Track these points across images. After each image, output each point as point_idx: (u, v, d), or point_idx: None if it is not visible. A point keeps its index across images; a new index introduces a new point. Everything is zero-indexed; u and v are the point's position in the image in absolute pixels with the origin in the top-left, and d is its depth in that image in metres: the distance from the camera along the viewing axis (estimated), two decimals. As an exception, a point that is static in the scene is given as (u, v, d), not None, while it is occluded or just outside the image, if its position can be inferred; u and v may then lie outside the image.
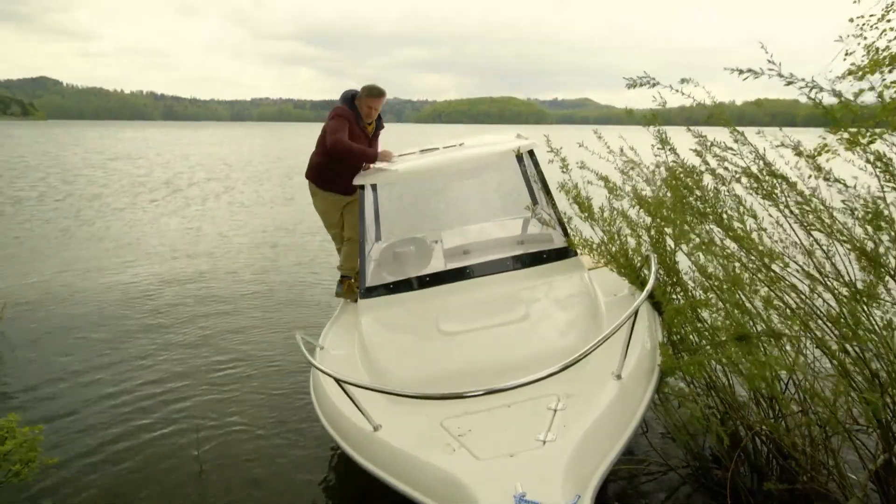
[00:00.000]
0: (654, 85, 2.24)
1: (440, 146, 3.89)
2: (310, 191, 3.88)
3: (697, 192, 2.37)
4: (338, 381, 1.82)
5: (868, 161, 1.91)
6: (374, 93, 3.69)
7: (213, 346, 4.41)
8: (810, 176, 2.07)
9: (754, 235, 2.23)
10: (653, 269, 2.15)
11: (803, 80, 1.86)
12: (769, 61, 1.90)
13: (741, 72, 1.87)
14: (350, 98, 3.71)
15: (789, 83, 1.87)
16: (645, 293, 1.93)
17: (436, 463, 1.61)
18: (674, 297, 2.52)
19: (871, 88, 1.87)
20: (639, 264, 2.63)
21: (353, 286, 3.67)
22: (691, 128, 2.49)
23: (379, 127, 3.90)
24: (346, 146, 3.48)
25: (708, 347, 2.26)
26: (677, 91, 2.24)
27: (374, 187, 4.10)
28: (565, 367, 1.62)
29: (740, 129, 2.27)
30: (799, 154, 2.09)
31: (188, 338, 4.56)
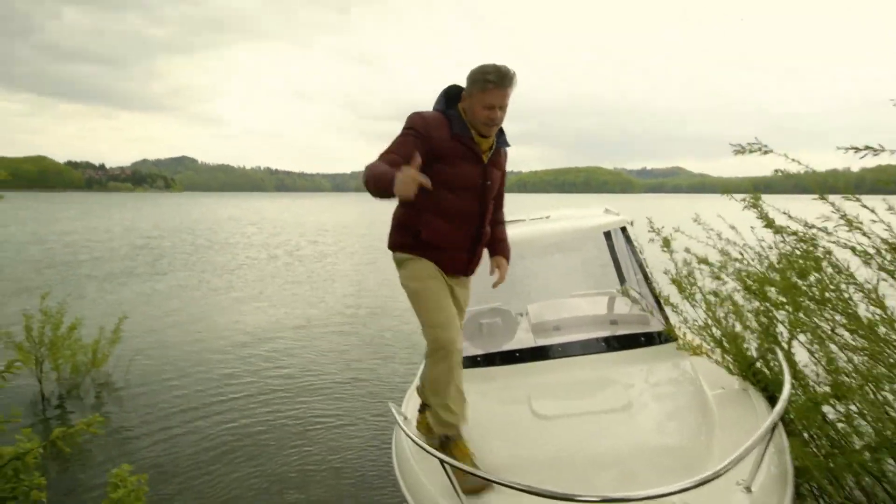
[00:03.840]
0: (766, 152, 2.05)
1: (526, 218, 3.88)
2: (396, 264, 2.24)
3: (815, 276, 2.10)
4: (453, 466, 1.66)
5: None
6: (495, 79, 2.01)
7: (296, 402, 4.55)
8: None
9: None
10: (786, 371, 1.85)
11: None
12: None
13: (857, 150, 1.67)
14: (450, 97, 2.16)
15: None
16: (783, 400, 1.66)
17: None
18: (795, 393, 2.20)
19: None
20: (754, 354, 2.36)
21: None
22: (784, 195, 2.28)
23: (502, 145, 2.25)
24: (366, 174, 1.93)
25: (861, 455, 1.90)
26: (793, 160, 2.03)
27: None
28: (702, 482, 1.39)
29: (858, 197, 2.03)
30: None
31: (275, 391, 4.78)
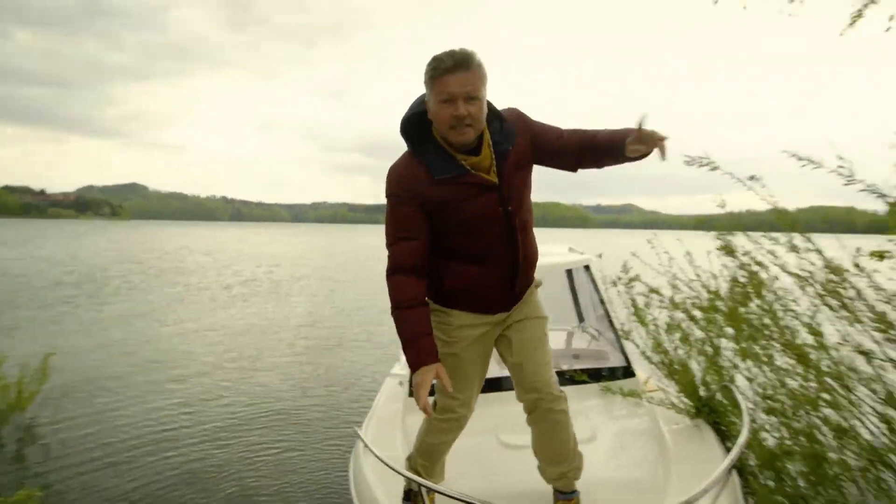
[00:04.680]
0: (714, 168, 2.24)
1: None
2: (433, 320, 1.76)
3: (756, 302, 2.23)
4: (428, 489, 1.67)
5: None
6: (449, 64, 1.49)
7: (246, 432, 4.33)
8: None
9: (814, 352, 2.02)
10: (745, 418, 1.78)
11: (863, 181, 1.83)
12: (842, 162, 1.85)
13: (812, 162, 1.85)
14: (411, 124, 1.66)
15: (849, 182, 1.84)
16: (738, 445, 1.64)
17: None
18: (734, 421, 2.29)
19: None
20: (702, 390, 2.45)
21: None
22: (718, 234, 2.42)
23: (507, 140, 1.64)
24: (391, 300, 1.69)
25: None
26: (742, 183, 2.20)
27: None
28: None
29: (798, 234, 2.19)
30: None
31: (224, 420, 4.54)
